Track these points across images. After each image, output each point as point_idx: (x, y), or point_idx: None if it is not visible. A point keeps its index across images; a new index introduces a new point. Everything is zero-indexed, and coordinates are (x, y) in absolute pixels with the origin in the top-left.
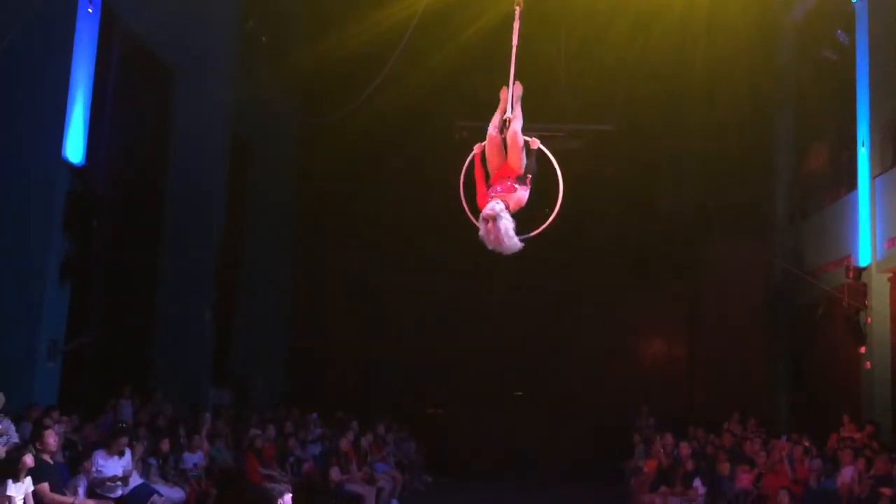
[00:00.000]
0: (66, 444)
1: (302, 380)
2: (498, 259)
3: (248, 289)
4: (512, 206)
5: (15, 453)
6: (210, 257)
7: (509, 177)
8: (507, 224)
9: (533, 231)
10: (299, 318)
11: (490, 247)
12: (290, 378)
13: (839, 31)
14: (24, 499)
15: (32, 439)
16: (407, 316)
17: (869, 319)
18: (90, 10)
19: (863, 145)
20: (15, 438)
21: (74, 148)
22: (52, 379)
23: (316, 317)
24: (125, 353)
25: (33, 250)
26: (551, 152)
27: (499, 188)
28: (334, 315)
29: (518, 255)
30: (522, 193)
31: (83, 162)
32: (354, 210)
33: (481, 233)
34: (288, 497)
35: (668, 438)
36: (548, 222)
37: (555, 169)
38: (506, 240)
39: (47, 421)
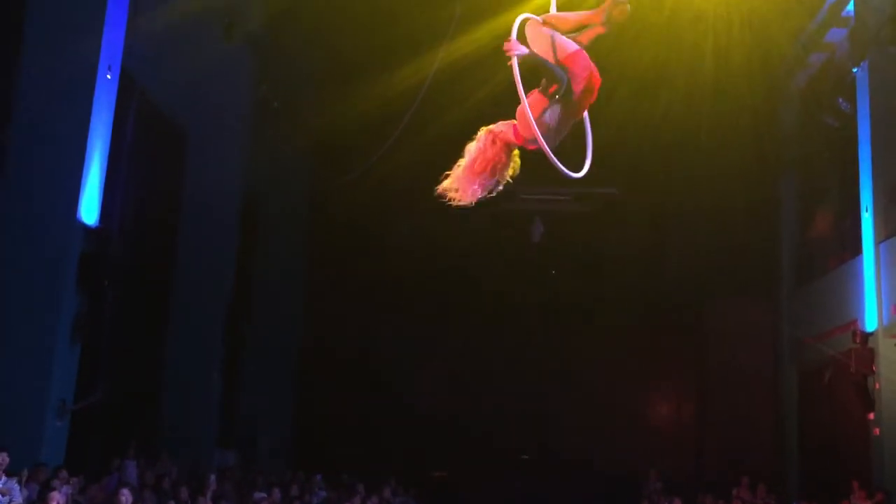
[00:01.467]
0: None
1: (307, 441)
2: (504, 321)
3: (255, 349)
4: (519, 121)
5: None
6: (220, 318)
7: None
8: (477, 146)
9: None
10: (306, 378)
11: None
12: (296, 440)
13: (840, 100)
14: None
15: (38, 501)
16: (413, 378)
17: (877, 385)
18: (109, 77)
19: (866, 210)
20: (19, 499)
21: (89, 209)
22: (59, 438)
23: (322, 378)
24: (131, 412)
25: (45, 309)
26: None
27: None
28: (341, 376)
29: (524, 316)
30: (530, 100)
31: (97, 223)
32: (364, 272)
33: None
34: None
35: None
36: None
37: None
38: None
39: (55, 482)
